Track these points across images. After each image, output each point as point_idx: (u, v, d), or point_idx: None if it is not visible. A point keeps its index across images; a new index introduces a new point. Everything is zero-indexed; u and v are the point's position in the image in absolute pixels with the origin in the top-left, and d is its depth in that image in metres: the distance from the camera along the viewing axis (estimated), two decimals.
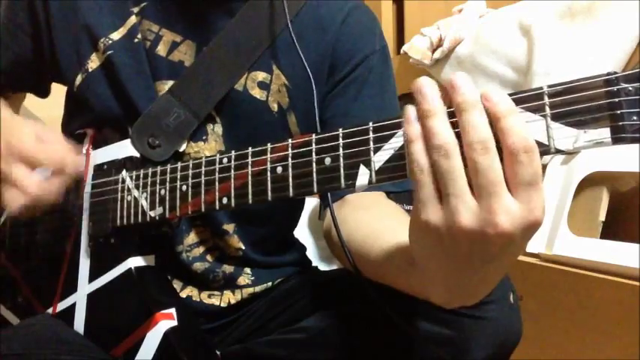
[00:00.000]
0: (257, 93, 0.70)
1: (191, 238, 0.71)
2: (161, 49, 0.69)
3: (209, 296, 0.72)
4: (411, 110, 0.39)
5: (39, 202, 0.56)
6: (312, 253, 1.39)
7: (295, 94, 0.71)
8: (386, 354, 0.63)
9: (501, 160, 0.36)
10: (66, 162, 0.57)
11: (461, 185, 0.37)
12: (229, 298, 0.73)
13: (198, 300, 0.72)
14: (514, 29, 1.30)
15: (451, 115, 0.38)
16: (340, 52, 0.72)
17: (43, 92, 0.80)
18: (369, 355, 0.64)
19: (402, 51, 1.49)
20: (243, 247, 0.73)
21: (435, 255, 0.41)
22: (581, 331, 0.95)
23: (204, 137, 0.69)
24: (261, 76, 0.70)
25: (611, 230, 1.00)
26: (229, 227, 0.72)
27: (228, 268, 0.73)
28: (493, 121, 0.36)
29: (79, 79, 0.69)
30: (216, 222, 0.72)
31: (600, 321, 0.92)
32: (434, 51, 1.42)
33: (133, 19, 0.69)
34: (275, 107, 0.71)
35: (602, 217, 1.00)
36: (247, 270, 0.74)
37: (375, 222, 0.60)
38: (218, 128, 0.70)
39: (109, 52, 0.67)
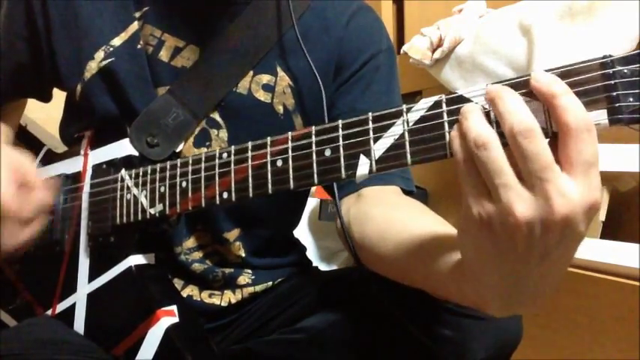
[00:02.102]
0: (261, 96, 0.69)
1: (191, 242, 0.71)
2: (163, 55, 0.69)
3: (209, 296, 0.72)
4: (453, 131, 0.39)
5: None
6: (312, 253, 1.39)
7: (300, 95, 0.71)
8: (386, 354, 0.63)
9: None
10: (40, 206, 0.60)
11: (508, 176, 0.35)
12: (230, 297, 0.73)
13: (199, 299, 0.72)
14: (514, 29, 1.29)
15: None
16: (346, 51, 0.72)
17: (46, 97, 0.79)
18: (369, 355, 0.64)
19: (402, 51, 1.49)
20: (244, 255, 0.73)
21: (490, 256, 0.38)
22: (581, 331, 0.94)
23: (207, 143, 0.69)
24: (265, 78, 0.70)
25: (611, 230, 1.00)
26: (230, 235, 0.72)
27: (227, 269, 0.73)
28: (546, 101, 0.35)
29: (79, 85, 0.68)
30: (218, 229, 0.71)
31: (600, 321, 0.92)
32: (434, 51, 1.42)
33: (135, 25, 0.68)
34: (280, 109, 0.70)
35: (602, 217, 1.00)
36: (247, 270, 0.74)
37: (413, 228, 0.54)
38: (223, 134, 0.69)
39: (111, 58, 0.66)
